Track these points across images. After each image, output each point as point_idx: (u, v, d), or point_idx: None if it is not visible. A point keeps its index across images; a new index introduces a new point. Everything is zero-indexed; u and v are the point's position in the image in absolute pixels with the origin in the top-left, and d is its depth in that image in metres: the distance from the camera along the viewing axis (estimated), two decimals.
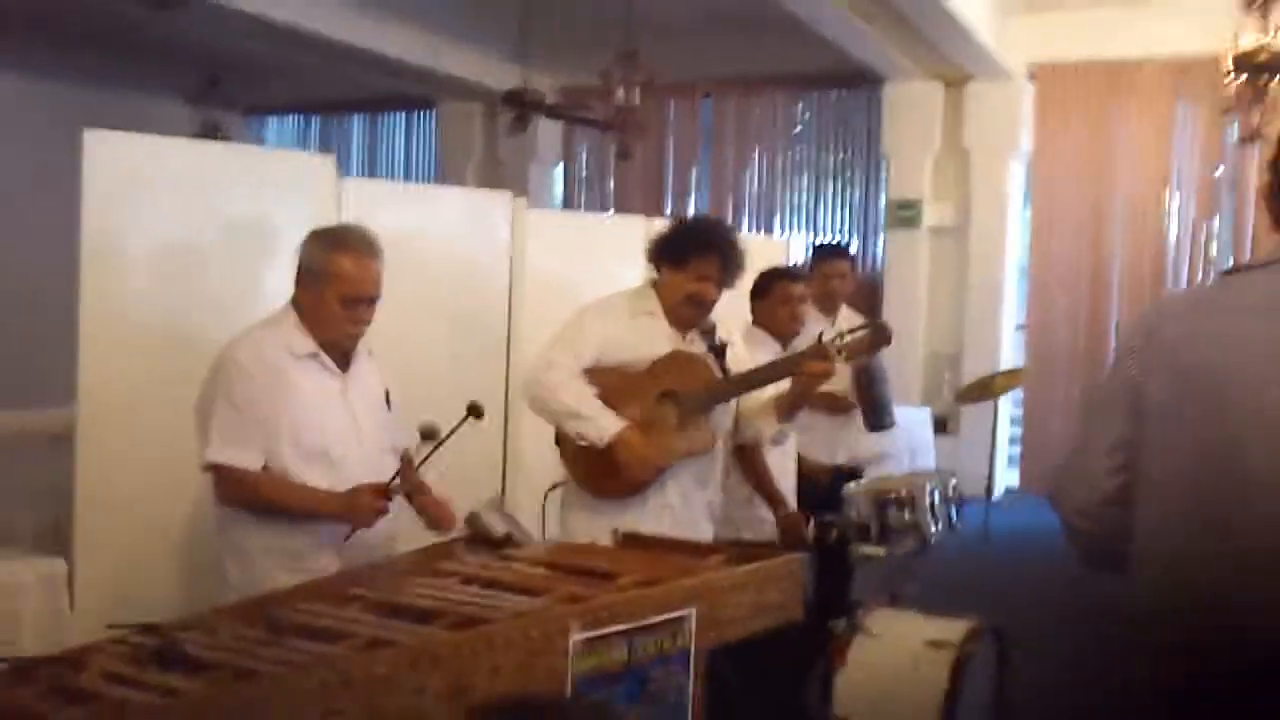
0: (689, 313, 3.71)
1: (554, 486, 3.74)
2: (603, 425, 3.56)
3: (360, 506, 3.11)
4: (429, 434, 3.37)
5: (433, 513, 3.36)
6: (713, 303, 3.72)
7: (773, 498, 4.20)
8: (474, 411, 3.28)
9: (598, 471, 3.63)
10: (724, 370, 3.66)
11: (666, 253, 3.74)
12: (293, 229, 3.51)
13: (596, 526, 3.52)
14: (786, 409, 3.77)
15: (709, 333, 3.72)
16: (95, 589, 3.78)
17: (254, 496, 3.15)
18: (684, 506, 3.70)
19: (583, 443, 3.59)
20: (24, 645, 3.49)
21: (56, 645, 2.56)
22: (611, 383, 3.65)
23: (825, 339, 3.66)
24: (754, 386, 3.69)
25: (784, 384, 3.72)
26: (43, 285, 5.77)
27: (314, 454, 3.17)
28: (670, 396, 3.66)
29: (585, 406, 3.59)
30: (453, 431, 3.27)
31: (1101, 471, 1.95)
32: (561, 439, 3.71)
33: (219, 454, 3.11)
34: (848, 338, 3.61)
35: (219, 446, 3.11)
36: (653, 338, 3.71)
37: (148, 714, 2.01)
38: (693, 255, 3.67)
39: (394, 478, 3.22)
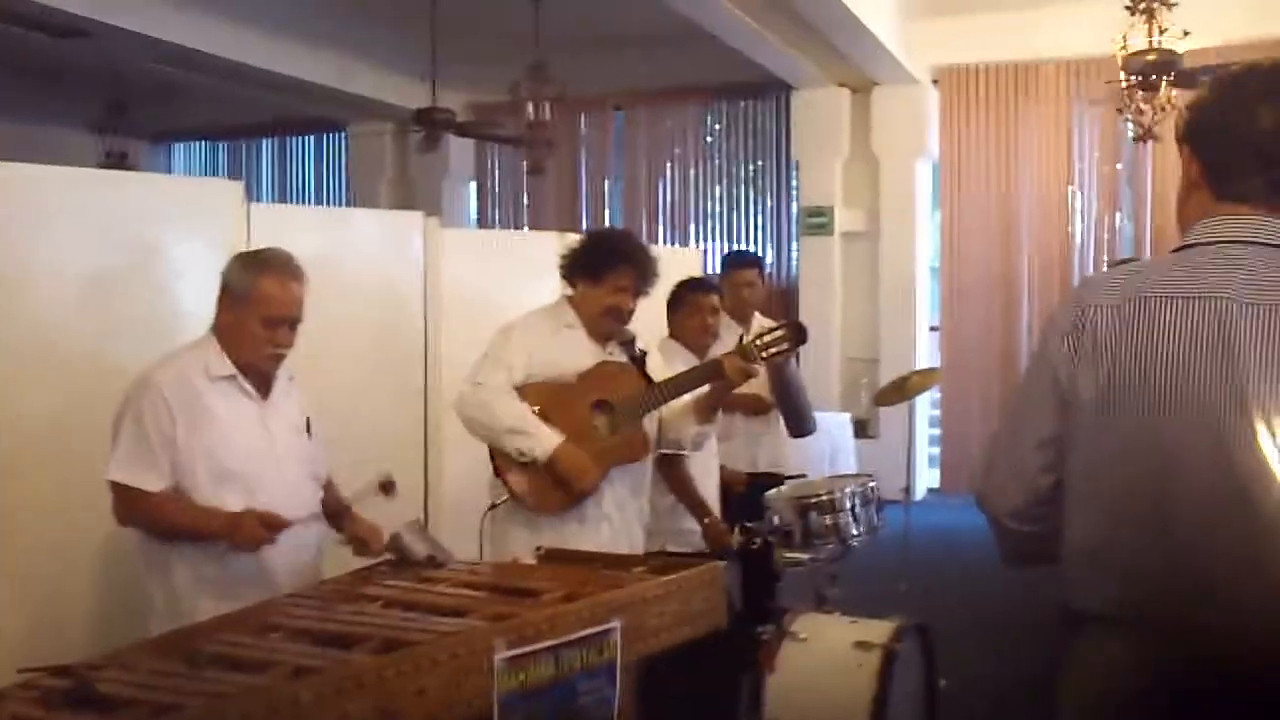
0: (609, 325, 3.75)
1: (492, 506, 3.73)
2: (544, 439, 3.57)
3: (243, 530, 3.06)
4: (387, 487, 3.35)
5: (359, 537, 3.35)
6: (631, 312, 3.76)
7: (697, 506, 4.24)
8: (385, 489, 3.32)
9: (538, 487, 3.63)
10: (647, 378, 3.70)
11: (580, 268, 3.78)
12: (201, 257, 3.45)
13: (535, 543, 3.51)
14: (706, 409, 3.80)
15: (629, 343, 3.77)
16: (8, 619, 3.67)
17: (151, 517, 3.13)
18: (620, 516, 3.73)
19: (523, 459, 3.59)
20: None
21: None
22: (543, 397, 3.66)
23: (744, 341, 3.72)
24: (683, 391, 3.73)
25: (703, 390, 3.75)
26: None
27: (228, 477, 3.14)
28: (603, 406, 3.68)
29: (525, 422, 3.59)
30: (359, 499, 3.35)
31: (1034, 470, 1.87)
32: (496, 456, 3.70)
33: (119, 472, 3.10)
34: (766, 337, 3.67)
35: (120, 465, 3.10)
36: (577, 351, 3.74)
37: None
38: (606, 269, 3.71)
39: (306, 517, 3.23)
